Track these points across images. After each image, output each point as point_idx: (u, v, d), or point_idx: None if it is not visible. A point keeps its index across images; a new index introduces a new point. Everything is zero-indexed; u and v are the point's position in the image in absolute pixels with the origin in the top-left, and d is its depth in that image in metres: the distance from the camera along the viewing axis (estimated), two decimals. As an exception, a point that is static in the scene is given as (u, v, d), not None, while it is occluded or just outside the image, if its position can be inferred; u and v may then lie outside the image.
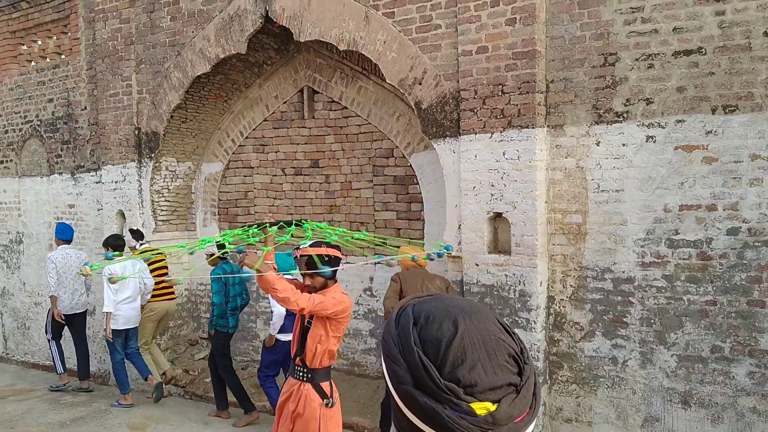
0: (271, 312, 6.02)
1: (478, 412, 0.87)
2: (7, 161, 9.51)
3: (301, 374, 4.21)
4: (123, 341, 7.01)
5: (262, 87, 7.50)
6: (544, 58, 5.29)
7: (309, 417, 4.21)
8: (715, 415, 4.87)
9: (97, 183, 8.34)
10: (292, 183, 7.40)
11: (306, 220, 4.22)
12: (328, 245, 4.20)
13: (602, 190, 5.16)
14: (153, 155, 7.60)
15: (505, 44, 5.29)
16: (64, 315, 7.59)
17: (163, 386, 7.13)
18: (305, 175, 7.28)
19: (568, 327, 5.39)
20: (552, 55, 5.27)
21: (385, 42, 5.84)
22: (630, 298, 5.11)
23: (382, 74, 6.38)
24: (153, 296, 7.26)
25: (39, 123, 9.00)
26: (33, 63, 9.17)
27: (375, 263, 6.64)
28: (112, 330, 6.82)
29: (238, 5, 6.71)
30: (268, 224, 4.12)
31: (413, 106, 5.79)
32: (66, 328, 7.80)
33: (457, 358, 0.89)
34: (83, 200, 8.61)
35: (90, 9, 8.10)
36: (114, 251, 6.68)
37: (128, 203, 7.85)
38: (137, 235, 7.24)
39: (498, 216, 5.43)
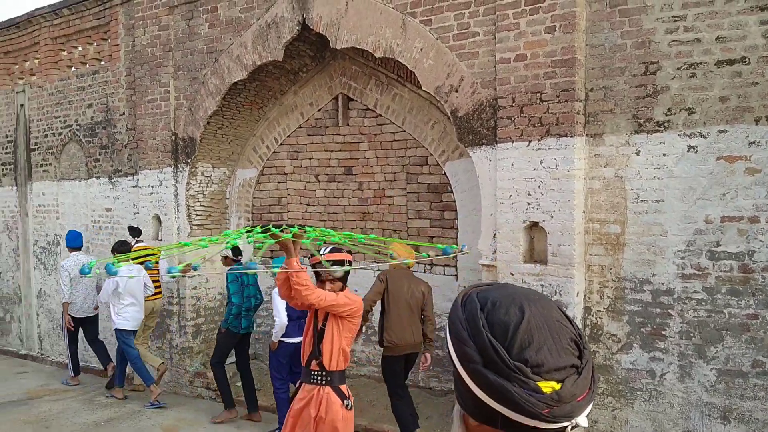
0: (274, 320, 6.07)
1: (544, 390, 0.95)
2: (46, 164, 9.71)
3: (318, 378, 4.25)
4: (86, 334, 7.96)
5: (297, 94, 7.56)
6: (584, 66, 5.25)
7: (333, 420, 4.25)
8: (756, 431, 4.75)
9: (134, 187, 8.47)
10: (326, 190, 7.44)
11: (309, 227, 4.25)
12: (345, 251, 4.28)
13: (642, 201, 5.09)
14: (189, 160, 7.70)
15: (544, 52, 5.26)
16: (77, 317, 8.07)
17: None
18: (338, 182, 7.31)
19: (604, 339, 5.31)
20: (591, 63, 5.23)
21: (421, 49, 5.85)
22: (669, 311, 5.02)
23: (418, 82, 6.40)
24: None
25: (78, 127, 9.17)
26: (73, 69, 9.36)
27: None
28: (126, 330, 7.30)
29: (275, 13, 6.78)
30: (271, 227, 4.11)
31: (449, 114, 5.78)
32: (81, 331, 8.24)
33: (525, 341, 0.97)
34: (120, 204, 8.75)
35: (130, 16, 8.26)
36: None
37: (164, 207, 7.96)
38: (135, 232, 7.78)
39: (534, 225, 5.39)
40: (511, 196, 5.42)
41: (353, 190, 7.18)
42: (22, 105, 10.00)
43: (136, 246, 7.59)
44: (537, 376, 0.96)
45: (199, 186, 7.99)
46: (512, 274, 5.46)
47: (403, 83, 6.67)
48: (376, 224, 6.98)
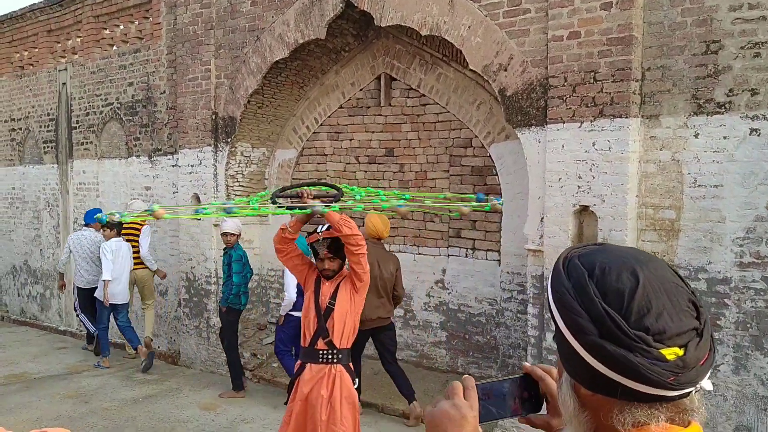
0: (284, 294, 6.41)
1: (668, 357, 0.92)
2: (87, 143, 9.78)
3: (329, 357, 4.17)
4: (109, 313, 8.03)
5: (339, 74, 7.45)
6: (641, 44, 5.03)
7: (350, 396, 4.21)
8: (817, 429, 4.54)
9: (173, 166, 8.47)
10: (366, 171, 7.34)
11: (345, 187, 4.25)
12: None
13: (699, 185, 4.87)
14: (229, 140, 7.66)
15: (600, 29, 5.05)
16: (83, 289, 8.36)
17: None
18: (379, 163, 7.20)
19: (655, 328, 5.13)
20: (649, 41, 5.01)
21: (469, 27, 5.68)
22: (725, 300, 4.82)
23: (464, 61, 6.23)
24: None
25: (119, 106, 9.20)
26: (115, 47, 9.38)
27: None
28: (101, 301, 7.85)
29: (319, -10, 6.66)
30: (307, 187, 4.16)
31: (497, 93, 5.61)
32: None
33: (642, 307, 0.93)
34: (159, 183, 8.76)
35: (172, -6, 8.22)
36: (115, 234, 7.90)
37: (203, 187, 7.93)
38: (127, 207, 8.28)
39: (584, 209, 5.21)
40: (560, 179, 5.25)
41: (394, 172, 7.06)
42: (64, 83, 10.07)
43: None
44: (659, 344, 0.92)
45: (239, 166, 7.95)
46: (559, 260, 5.29)
47: (448, 62, 6.51)
48: (416, 207, 6.84)
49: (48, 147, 10.52)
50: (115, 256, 7.82)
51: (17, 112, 11.04)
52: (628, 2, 4.95)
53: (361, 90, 7.28)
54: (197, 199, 8.10)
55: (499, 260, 6.29)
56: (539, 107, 5.38)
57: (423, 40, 6.56)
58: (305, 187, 4.15)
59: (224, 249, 6.97)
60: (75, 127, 9.96)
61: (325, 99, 7.64)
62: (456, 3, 5.74)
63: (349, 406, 4.16)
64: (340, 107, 7.50)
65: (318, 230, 4.30)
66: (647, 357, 0.92)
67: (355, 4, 6.39)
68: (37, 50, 10.62)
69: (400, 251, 7.03)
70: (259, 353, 7.76)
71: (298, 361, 4.30)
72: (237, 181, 7.96)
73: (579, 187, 5.17)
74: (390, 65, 6.95)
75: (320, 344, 4.15)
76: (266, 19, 7.18)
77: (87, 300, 8.32)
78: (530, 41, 5.43)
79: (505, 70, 5.54)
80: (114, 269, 7.78)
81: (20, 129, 11.04)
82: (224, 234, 6.80)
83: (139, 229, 8.22)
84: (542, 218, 5.40)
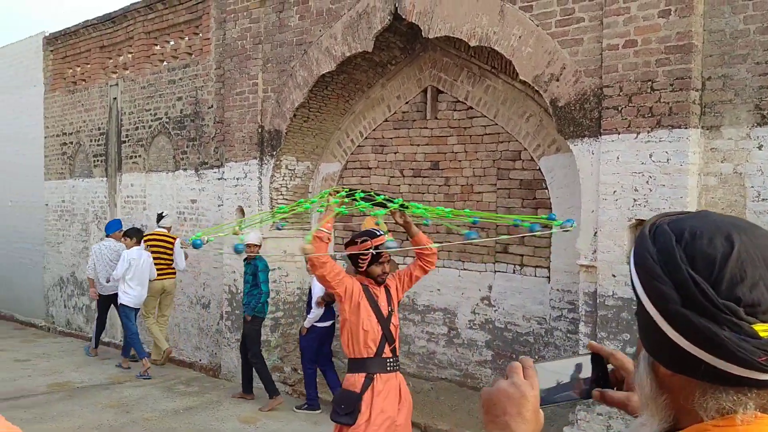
0: (308, 305, 6.54)
1: (761, 334, 0.81)
2: (136, 156, 9.93)
3: (394, 364, 4.04)
4: (135, 316, 8.40)
5: (385, 87, 7.40)
6: (701, 53, 4.84)
7: (410, 401, 4.10)
8: None
9: (219, 179, 8.51)
10: (410, 185, 7.24)
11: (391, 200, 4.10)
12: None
13: (763, 199, 4.63)
14: (274, 153, 7.66)
15: (657, 38, 4.89)
16: (104, 295, 8.93)
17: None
18: (424, 177, 7.10)
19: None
20: (709, 50, 4.82)
21: (520, 37, 5.57)
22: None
23: (513, 72, 6.12)
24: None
25: (167, 120, 9.33)
26: (165, 62, 9.54)
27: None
28: (128, 306, 8.23)
29: (367, 3, 6.64)
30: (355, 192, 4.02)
31: (548, 104, 5.47)
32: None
33: (735, 276, 0.82)
34: (205, 196, 8.81)
35: (222, 9, 8.32)
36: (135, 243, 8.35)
37: (248, 200, 7.94)
38: (158, 218, 8.67)
39: (640, 223, 5.00)
40: (615, 191, 5.06)
41: (439, 186, 6.94)
42: (114, 98, 10.28)
43: (155, 231, 8.68)
44: (752, 318, 0.81)
45: (283, 179, 7.94)
46: (614, 276, 5.09)
47: (496, 74, 6.39)
48: (463, 222, 6.71)
49: (98, 161, 10.73)
50: (135, 264, 8.17)
51: (69, 127, 11.31)
52: (687, 9, 4.78)
53: (407, 103, 7.21)
54: (242, 212, 8.11)
55: (549, 277, 6.09)
56: (593, 118, 5.22)
57: (471, 52, 6.47)
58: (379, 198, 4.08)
59: (245, 259, 7.10)
60: (124, 141, 10.13)
61: (371, 112, 7.59)
62: (506, 13, 5.65)
63: (409, 412, 4.10)
64: (386, 120, 7.44)
65: (366, 238, 4.13)
66: (736, 331, 0.81)
67: (403, 17, 6.34)
68: (89, 66, 10.88)
69: (444, 266, 6.89)
70: (299, 368, 7.65)
71: (356, 374, 3.95)
72: (281, 194, 7.95)
73: (635, 200, 4.97)
74: (437, 78, 6.87)
75: (387, 352, 4.00)
76: (313, 33, 7.20)
77: (104, 305, 9.06)
78: (584, 50, 5.29)
79: (557, 80, 5.40)
80: (132, 276, 8.17)
81: (71, 143, 11.30)
82: (247, 245, 6.87)
83: (171, 242, 8.58)
84: (595, 233, 5.21)
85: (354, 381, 3.91)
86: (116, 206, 10.36)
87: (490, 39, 5.74)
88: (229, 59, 8.12)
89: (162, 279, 8.52)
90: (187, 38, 9.16)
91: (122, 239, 8.59)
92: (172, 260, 8.57)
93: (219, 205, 8.53)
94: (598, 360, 1.16)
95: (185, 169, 9.13)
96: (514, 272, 6.38)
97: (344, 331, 3.99)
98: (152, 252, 8.43)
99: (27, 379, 7.96)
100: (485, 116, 6.51)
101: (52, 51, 11.60)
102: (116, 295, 8.51)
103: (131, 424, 6.24)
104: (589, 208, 5.26)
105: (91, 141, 10.85)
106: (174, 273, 8.68)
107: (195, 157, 8.96)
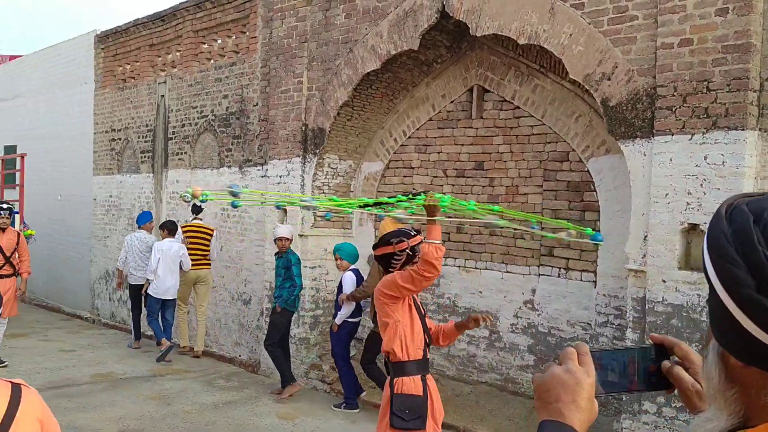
0: (338, 303, 6.63)
1: None
2: (182, 153, 10.07)
3: (427, 365, 3.94)
4: (159, 306, 8.83)
5: (430, 86, 7.34)
6: (760, 52, 4.66)
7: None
8: None
9: (262, 177, 8.56)
10: (453, 185, 7.15)
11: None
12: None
13: (827, 205, 4.42)
14: (317, 151, 7.67)
15: (714, 36, 4.72)
16: (130, 284, 9.35)
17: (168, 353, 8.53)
18: (468, 177, 7.01)
19: None
20: (771, 48, 4.63)
21: (571, 35, 5.45)
22: None
23: (563, 71, 6.00)
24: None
25: (213, 118, 9.43)
26: (212, 61, 9.65)
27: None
28: (150, 295, 8.72)
29: (414, 1, 6.59)
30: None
31: (599, 104, 5.34)
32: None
33: None
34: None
35: (269, 8, 8.37)
36: (168, 234, 8.80)
37: (290, 197, 7.96)
38: (196, 209, 9.04)
39: (693, 228, 4.83)
40: (667, 194, 4.90)
41: (483, 186, 6.85)
42: (162, 96, 10.44)
43: (192, 223, 9.10)
44: None
45: (325, 177, 7.94)
46: (664, 281, 4.93)
47: (545, 73, 6.27)
48: (506, 223, 6.59)
49: (145, 157, 10.91)
50: (164, 255, 8.60)
51: (117, 123, 11.53)
52: (746, 8, 4.61)
53: (451, 102, 7.14)
54: (284, 210, 8.14)
55: (595, 281, 5.94)
56: (645, 118, 5.07)
57: (519, 51, 6.36)
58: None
59: (277, 253, 7.31)
60: (171, 138, 10.28)
61: (415, 111, 7.54)
62: (557, 11, 5.53)
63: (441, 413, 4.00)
64: (430, 119, 7.38)
65: (402, 239, 4.03)
66: None
67: (451, 15, 6.28)
68: (138, 64, 11.09)
69: (486, 268, 6.79)
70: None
71: (413, 377, 3.74)
72: (323, 193, 7.95)
73: (688, 203, 4.81)
74: (483, 77, 6.78)
75: (427, 352, 3.90)
76: (359, 31, 7.18)
77: (136, 294, 9.36)
78: (637, 49, 5.14)
79: (609, 79, 5.27)
80: (161, 267, 8.59)
81: (120, 139, 11.52)
82: (279, 238, 7.17)
83: (208, 234, 9.05)
84: (645, 236, 5.05)
85: (414, 384, 3.73)
86: (162, 202, 10.52)
87: (540, 37, 5.63)
88: (275, 57, 8.17)
89: (197, 269, 8.93)
90: (234, 37, 9.25)
91: (161, 232, 8.99)
92: (208, 251, 9.00)
93: (262, 202, 8.57)
94: (661, 352, 1.11)
95: (229, 166, 9.22)
96: (559, 276, 6.24)
97: (395, 334, 3.73)
98: (189, 243, 8.86)
99: (72, 369, 8.13)
100: (533, 116, 6.40)
101: (103, 49, 11.86)
102: (142, 285, 9.13)
103: (172, 416, 6.30)
104: (639, 211, 5.11)
105: (138, 137, 11.05)
106: (209, 263, 9.10)
107: (239, 154, 9.03)
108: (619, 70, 5.21)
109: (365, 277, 6.59)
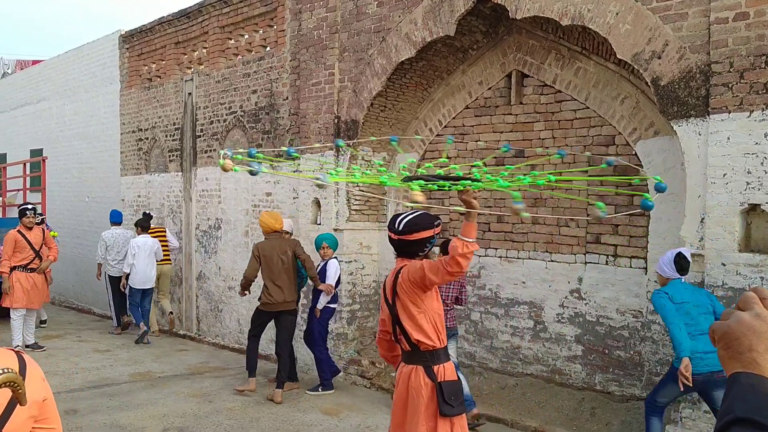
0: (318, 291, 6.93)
1: None
2: (210, 150, 10.01)
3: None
4: (141, 295, 9.85)
5: (466, 73, 7.19)
6: (822, 23, 4.47)
7: None
8: None
9: (294, 172, 8.46)
10: (493, 174, 6.98)
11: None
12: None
13: None
14: (351, 144, 7.54)
15: (773, 8, 4.54)
16: (110, 276, 10.35)
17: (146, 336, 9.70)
18: (508, 165, 6.83)
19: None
20: (834, 18, 4.44)
21: (617, 14, 5.28)
22: None
23: (607, 52, 5.84)
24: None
25: (242, 114, 9.35)
26: (239, 56, 9.57)
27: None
28: (131, 286, 9.76)
29: (449, -15, 6.45)
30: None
31: (650, 83, 5.16)
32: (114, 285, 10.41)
33: None
34: (280, 189, 8.79)
35: (297, 0, 8.27)
36: (143, 231, 9.87)
37: (324, 192, 7.86)
38: (146, 218, 10.08)
39: (753, 208, 4.65)
40: (725, 174, 4.73)
41: (524, 174, 6.67)
42: (189, 93, 10.39)
43: (153, 227, 10.20)
44: None
45: (359, 170, 7.81)
46: (723, 264, 4.75)
47: (588, 55, 6.10)
48: (549, 211, 6.45)
49: (173, 155, 10.87)
50: (140, 250, 9.58)
51: (144, 123, 11.51)
52: (807, -23, 4.42)
53: (489, 89, 6.98)
54: (317, 204, 8.05)
55: (646, 268, 5.76)
56: (699, 96, 4.89)
57: (560, 33, 6.20)
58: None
59: None
60: (199, 136, 10.23)
61: (450, 100, 7.40)
62: (602, -11, 5.36)
63: None
64: (466, 108, 7.23)
65: (439, 221, 3.86)
66: None
67: (488, -2, 6.13)
68: (164, 62, 11.05)
69: (529, 258, 6.64)
70: (377, 362, 7.52)
71: (446, 364, 3.62)
72: (357, 186, 7.83)
73: (748, 183, 4.63)
74: (522, 62, 6.62)
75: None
76: (392, 19, 7.06)
77: (116, 285, 10.17)
78: (688, 25, 4.96)
79: (659, 57, 5.09)
80: (139, 261, 9.57)
81: (147, 139, 11.50)
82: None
83: (164, 231, 10.39)
84: (702, 219, 4.88)
85: (452, 370, 3.64)
86: (191, 200, 10.47)
87: (584, 17, 5.47)
88: (305, 50, 8.06)
89: (160, 264, 10.06)
90: (261, 31, 9.16)
91: (136, 229, 10.00)
92: (167, 249, 10.27)
93: (294, 198, 8.49)
94: None
95: (260, 162, 9.11)
96: (606, 263, 6.07)
97: (426, 323, 3.57)
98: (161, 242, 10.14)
99: (110, 368, 8.09)
100: (575, 99, 6.23)
101: (127, 49, 11.84)
102: (119, 277, 10.12)
103: (215, 414, 6.22)
104: (695, 192, 4.94)
105: (166, 136, 11.01)
106: (169, 260, 10.48)
107: (270, 149, 8.94)
108: (670, 48, 5.03)
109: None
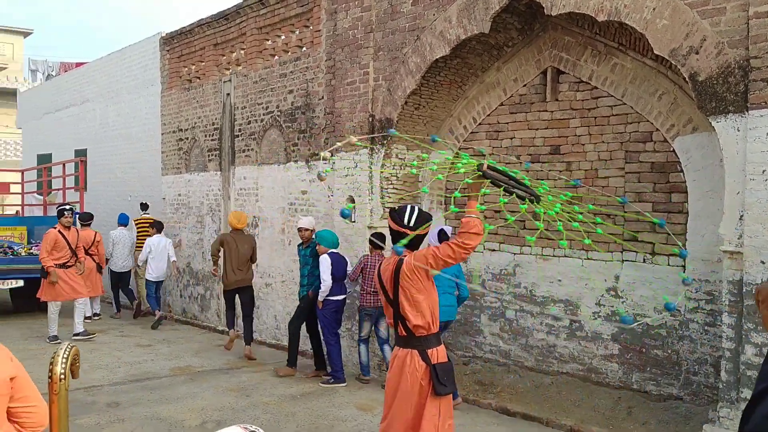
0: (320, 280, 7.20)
1: None
2: (248, 150, 10.17)
3: None
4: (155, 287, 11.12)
5: (500, 70, 7.18)
6: None
7: None
8: None
9: (329, 170, 8.54)
10: (528, 171, 6.95)
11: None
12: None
13: None
14: (385, 142, 7.60)
15: (815, 0, 4.44)
16: (116, 272, 11.86)
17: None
18: (543, 162, 6.82)
19: None
20: None
21: (654, 9, 5.22)
22: None
23: (644, 48, 5.78)
24: None
25: (279, 114, 9.48)
26: (276, 57, 9.70)
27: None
28: (149, 280, 10.98)
29: (483, -17, 6.45)
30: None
31: (687, 79, 5.09)
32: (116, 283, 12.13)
33: None
34: (316, 187, 8.89)
35: (332, 1, 8.35)
36: (157, 232, 11.14)
37: (358, 189, 7.93)
38: (143, 206, 12.09)
39: (795, 205, 4.56)
40: (765, 171, 4.64)
41: (560, 171, 6.66)
42: (228, 94, 10.57)
43: (142, 216, 11.95)
44: None
45: (393, 168, 7.88)
46: (763, 263, 4.66)
47: (624, 51, 6.04)
48: (585, 209, 6.39)
49: (212, 155, 11.08)
50: (155, 248, 10.79)
51: (184, 123, 11.75)
52: None
53: (524, 86, 6.96)
54: (352, 200, 8.12)
55: (684, 266, 5.69)
56: (738, 92, 4.81)
57: (596, 29, 6.15)
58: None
59: (301, 244, 7.82)
60: (237, 136, 10.41)
61: (485, 97, 7.39)
62: (638, -16, 5.30)
63: None
64: (501, 105, 7.22)
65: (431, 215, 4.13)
66: None
67: (523, -5, 6.11)
68: (203, 63, 11.26)
69: (565, 255, 6.60)
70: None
71: (440, 347, 3.87)
72: (391, 184, 7.90)
73: (789, 179, 4.53)
74: (557, 58, 6.58)
75: None
76: (427, 17, 7.08)
77: (118, 279, 11.86)
78: (727, 20, 4.88)
79: (697, 53, 5.02)
80: (154, 258, 10.76)
81: (187, 139, 11.74)
82: (300, 229, 7.72)
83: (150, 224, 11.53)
84: (741, 216, 4.79)
85: (444, 353, 3.90)
86: (230, 199, 10.66)
87: (620, 13, 5.42)
88: (340, 49, 8.14)
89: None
90: (297, 32, 9.28)
91: (150, 230, 11.25)
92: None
93: (329, 196, 8.58)
94: None
95: (296, 161, 9.25)
96: (644, 261, 6.00)
97: (427, 309, 3.80)
98: (139, 232, 11.76)
99: (151, 363, 8.31)
100: (612, 96, 6.17)
101: (168, 51, 12.10)
102: (128, 272, 11.89)
103: (252, 408, 6.35)
104: (734, 189, 4.85)
105: (205, 136, 11.23)
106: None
107: (306, 148, 9.06)
108: (708, 43, 4.96)
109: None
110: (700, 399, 5.60)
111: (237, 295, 8.69)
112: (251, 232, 10.20)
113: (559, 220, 3.70)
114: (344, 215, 3.47)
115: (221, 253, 8.62)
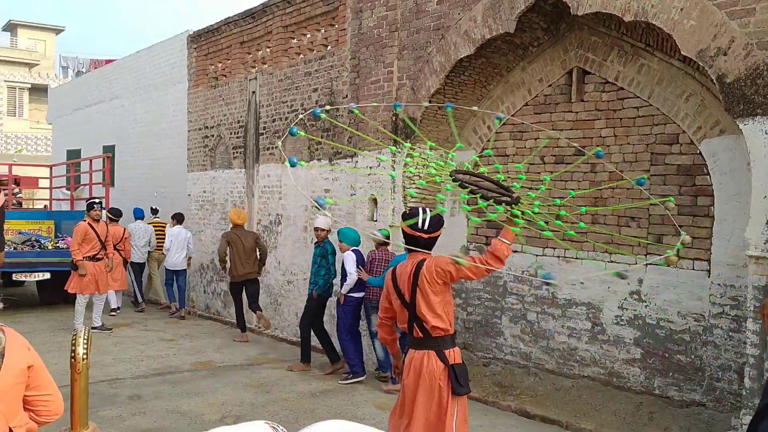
0: (345, 273, 7.21)
1: None
2: (273, 148, 10.24)
3: None
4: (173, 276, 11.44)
5: (525, 70, 7.13)
6: None
7: None
8: None
9: (352, 169, 8.57)
10: (552, 172, 6.90)
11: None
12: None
13: None
14: (408, 141, 7.59)
15: None
16: (137, 263, 12.08)
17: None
18: (567, 163, 6.75)
19: None
20: None
21: (682, 9, 5.14)
22: None
23: (671, 49, 5.70)
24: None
25: (303, 112, 9.52)
26: (301, 55, 9.75)
27: (646, 264, 5.89)
28: (167, 268, 11.44)
29: (509, -18, 6.41)
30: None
31: (715, 81, 5.01)
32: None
33: None
34: (338, 185, 8.92)
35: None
36: (177, 223, 11.46)
37: (380, 189, 7.94)
38: (154, 211, 12.71)
39: (825, 210, 4.46)
40: (794, 175, 4.55)
41: (584, 173, 6.59)
42: (253, 92, 10.66)
43: (154, 220, 12.53)
44: None
45: (416, 168, 7.85)
46: (791, 269, 4.57)
47: (651, 52, 5.96)
48: (609, 211, 6.33)
49: (237, 152, 11.18)
50: (175, 238, 11.11)
51: (210, 120, 11.87)
52: None
53: (549, 86, 6.90)
54: (374, 201, 8.13)
55: (709, 270, 5.59)
56: (766, 94, 4.72)
57: (623, 30, 6.07)
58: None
59: (316, 243, 7.86)
60: (262, 133, 10.48)
61: (509, 97, 7.35)
62: (666, -16, 5.23)
63: None
64: (525, 105, 7.17)
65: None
66: None
67: (549, -6, 6.06)
68: (230, 61, 11.36)
69: (588, 258, 6.53)
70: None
71: (456, 347, 3.93)
72: (413, 183, 7.88)
73: (818, 184, 4.44)
74: (583, 58, 6.52)
75: None
76: (452, 16, 7.06)
77: (138, 269, 12.09)
78: (756, 21, 4.80)
79: (725, 54, 4.94)
80: (173, 247, 11.09)
81: (212, 136, 11.85)
82: (316, 229, 7.78)
83: (164, 227, 12.09)
84: (768, 221, 4.71)
85: (459, 354, 3.95)
86: (254, 196, 10.74)
87: (647, 13, 5.35)
88: (365, 48, 8.16)
89: (159, 252, 11.99)
90: (323, 30, 9.31)
91: (172, 221, 11.50)
92: (162, 240, 11.88)
93: (351, 194, 8.60)
94: None
95: (319, 159, 9.29)
96: (668, 265, 5.91)
97: (443, 309, 3.87)
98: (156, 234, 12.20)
99: (173, 357, 8.41)
100: (638, 97, 6.09)
101: (195, 48, 12.23)
102: (144, 263, 12.22)
103: (271, 404, 6.39)
104: (761, 193, 4.76)
105: (230, 134, 11.33)
106: (160, 249, 12.00)
107: (329, 147, 9.09)
108: (737, 44, 4.87)
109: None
110: (723, 406, 5.51)
111: (244, 288, 9.29)
112: (274, 229, 10.29)
113: (540, 221, 3.71)
114: (320, 204, 3.44)
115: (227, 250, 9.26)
